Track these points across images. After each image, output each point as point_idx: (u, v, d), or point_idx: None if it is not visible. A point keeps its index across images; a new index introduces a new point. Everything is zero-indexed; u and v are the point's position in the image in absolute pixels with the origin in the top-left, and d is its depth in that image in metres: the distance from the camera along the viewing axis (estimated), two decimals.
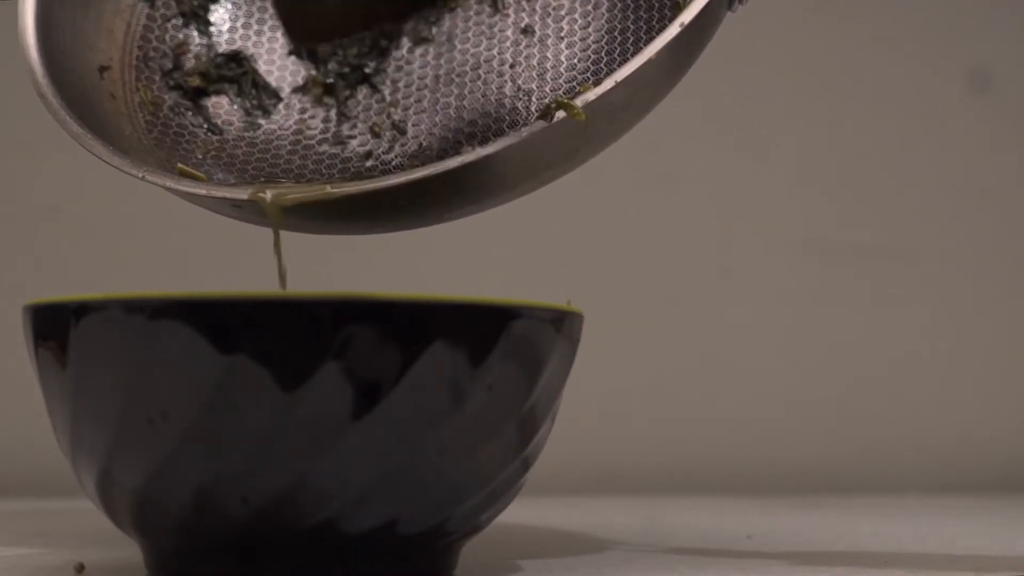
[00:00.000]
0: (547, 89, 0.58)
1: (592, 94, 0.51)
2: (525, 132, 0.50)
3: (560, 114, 0.50)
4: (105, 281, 0.82)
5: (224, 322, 0.43)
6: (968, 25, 0.95)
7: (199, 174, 0.56)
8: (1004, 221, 0.95)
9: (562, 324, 0.47)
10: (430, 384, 0.44)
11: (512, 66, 0.58)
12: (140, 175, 0.52)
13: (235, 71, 0.60)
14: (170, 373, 0.43)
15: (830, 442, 0.92)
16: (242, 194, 0.52)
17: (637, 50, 0.57)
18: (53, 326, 0.45)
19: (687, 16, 0.52)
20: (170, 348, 0.43)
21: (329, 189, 0.50)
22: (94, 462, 0.45)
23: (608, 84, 0.51)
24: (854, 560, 0.55)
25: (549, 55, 0.58)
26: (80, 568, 0.50)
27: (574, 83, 0.57)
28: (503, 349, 0.45)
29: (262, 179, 0.57)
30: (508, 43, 0.59)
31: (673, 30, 0.51)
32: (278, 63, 0.60)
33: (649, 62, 0.51)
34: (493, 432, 0.46)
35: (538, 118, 0.51)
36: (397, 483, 0.44)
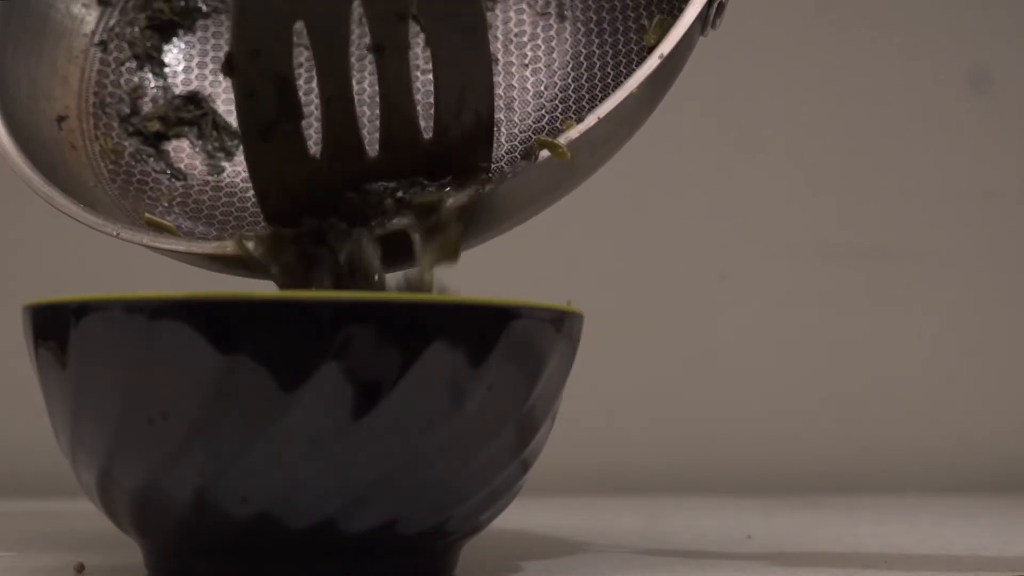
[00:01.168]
0: (515, 119, 0.57)
1: (575, 132, 0.50)
2: (509, 174, 0.50)
3: (544, 153, 0.50)
4: (105, 281, 0.82)
5: (224, 322, 0.43)
6: (968, 25, 0.95)
7: (167, 223, 0.56)
8: (1004, 222, 0.95)
9: (562, 324, 0.47)
10: (430, 384, 0.44)
11: None
12: (115, 233, 0.52)
13: (194, 113, 0.59)
14: (170, 373, 0.43)
15: (830, 442, 0.92)
16: (226, 247, 0.51)
17: (605, 75, 0.56)
18: (53, 326, 0.45)
19: (666, 47, 0.51)
20: (170, 348, 0.43)
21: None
22: (94, 462, 0.45)
23: (591, 121, 0.50)
24: (854, 560, 0.55)
25: (515, 83, 0.58)
26: (80, 568, 0.50)
27: (543, 111, 0.57)
28: (503, 349, 0.45)
29: (231, 226, 0.57)
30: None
31: (653, 62, 0.51)
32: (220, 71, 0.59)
33: (630, 96, 0.51)
34: (493, 432, 0.46)
35: (522, 158, 0.51)
36: (397, 483, 0.44)
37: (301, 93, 0.49)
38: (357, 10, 0.48)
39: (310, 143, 0.49)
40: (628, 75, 0.54)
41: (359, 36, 0.54)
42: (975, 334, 0.94)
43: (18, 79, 0.55)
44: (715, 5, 0.53)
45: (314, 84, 0.51)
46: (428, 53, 0.49)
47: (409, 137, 0.49)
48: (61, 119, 0.57)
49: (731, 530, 0.65)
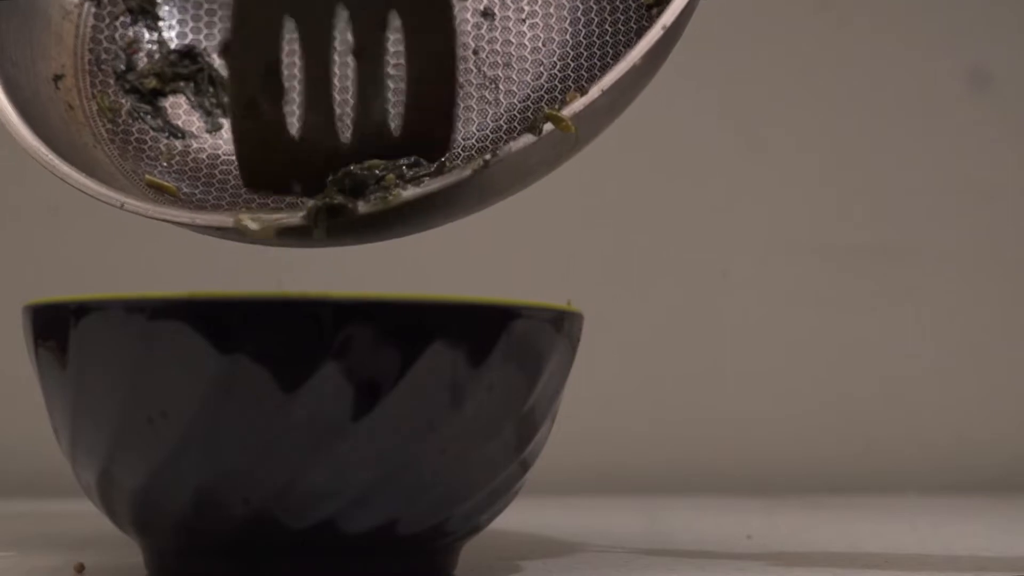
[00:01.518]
0: (513, 75, 0.57)
1: (579, 104, 0.51)
2: (514, 147, 0.50)
3: (548, 126, 0.50)
4: (105, 281, 0.82)
5: (224, 322, 0.43)
6: (968, 25, 0.95)
7: (168, 184, 0.56)
8: (1004, 221, 0.95)
9: (562, 324, 0.47)
10: (430, 384, 0.44)
11: (475, 52, 0.58)
12: (119, 204, 0.52)
13: (190, 68, 0.59)
14: (170, 373, 0.43)
15: (830, 442, 0.92)
16: (227, 221, 0.51)
17: (603, 32, 0.57)
18: (53, 326, 0.45)
19: (668, 18, 0.52)
20: (170, 348, 0.43)
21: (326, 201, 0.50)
22: (94, 462, 0.45)
23: (595, 93, 0.51)
24: (854, 560, 0.55)
25: (512, 39, 0.58)
26: (80, 568, 0.50)
27: (541, 68, 0.57)
28: (503, 349, 0.45)
29: (231, 185, 0.57)
30: (469, 27, 0.58)
31: (655, 34, 0.51)
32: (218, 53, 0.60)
33: (633, 67, 0.51)
34: (493, 432, 0.46)
35: (526, 131, 0.51)
36: (397, 483, 0.44)
37: (285, 79, 0.54)
38: (342, 14, 0.53)
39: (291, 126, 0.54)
40: (626, 32, 0.55)
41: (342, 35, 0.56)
42: (975, 334, 0.94)
43: (15, 40, 0.56)
44: None
45: (299, 71, 0.54)
46: (402, 61, 0.54)
47: (378, 131, 0.53)
48: (58, 78, 0.57)
49: (731, 530, 0.65)
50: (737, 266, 0.93)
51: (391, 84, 0.55)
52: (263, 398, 0.43)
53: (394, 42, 0.54)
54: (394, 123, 0.53)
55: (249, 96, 0.53)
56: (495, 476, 0.46)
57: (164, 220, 0.53)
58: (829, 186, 0.94)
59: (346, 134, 0.54)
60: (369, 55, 0.53)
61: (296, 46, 0.54)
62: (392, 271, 0.82)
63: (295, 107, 0.54)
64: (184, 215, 0.52)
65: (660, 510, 0.78)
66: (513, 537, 0.62)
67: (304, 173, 0.53)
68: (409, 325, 0.43)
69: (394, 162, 0.52)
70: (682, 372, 0.92)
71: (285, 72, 0.54)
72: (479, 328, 0.44)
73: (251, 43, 0.53)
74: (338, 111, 0.54)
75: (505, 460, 0.46)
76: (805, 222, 0.94)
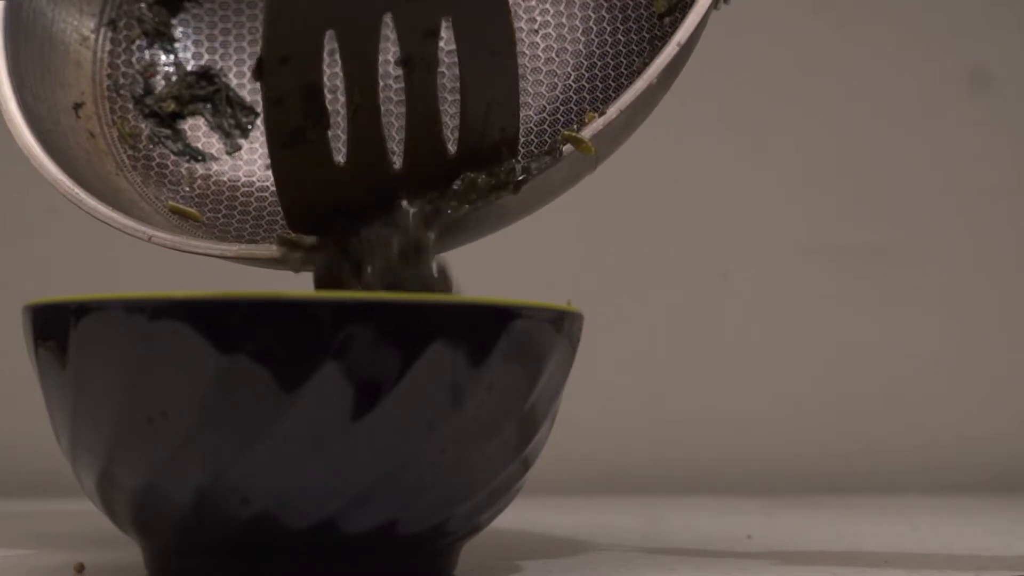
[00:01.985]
0: (528, 87, 0.57)
1: (599, 124, 0.51)
2: (535, 170, 0.51)
3: (568, 148, 0.51)
4: (105, 281, 0.82)
5: (223, 322, 0.43)
6: (968, 25, 0.95)
7: (191, 211, 0.56)
8: (1004, 221, 0.95)
9: (562, 324, 0.47)
10: (430, 384, 0.44)
11: None
12: (147, 238, 0.52)
13: (207, 89, 0.59)
14: (170, 373, 0.43)
15: (830, 442, 0.92)
16: (265, 252, 0.51)
17: (616, 41, 0.57)
18: (53, 326, 0.45)
19: (683, 35, 0.52)
20: (170, 348, 0.43)
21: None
22: (94, 462, 0.45)
23: (613, 113, 0.51)
24: (854, 560, 0.55)
25: (526, 50, 0.58)
26: (80, 568, 0.50)
27: (555, 79, 0.57)
28: (503, 349, 0.45)
29: (253, 208, 0.57)
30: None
31: (671, 51, 0.52)
32: (249, 76, 0.60)
33: (649, 86, 0.51)
34: (493, 432, 0.46)
35: (545, 154, 0.51)
36: (397, 483, 0.44)
37: (328, 102, 0.49)
38: (387, 24, 0.48)
39: (336, 152, 0.50)
40: (639, 42, 0.55)
41: (388, 48, 0.54)
42: (975, 334, 0.94)
43: (34, 71, 0.56)
44: None
45: (341, 94, 0.50)
46: (456, 70, 0.50)
47: (434, 150, 0.50)
48: (78, 106, 0.57)
49: (731, 530, 0.65)
50: (737, 266, 0.93)
51: (447, 96, 0.53)
52: (263, 398, 0.43)
53: (446, 53, 0.51)
54: (449, 140, 0.50)
55: (288, 123, 0.48)
56: (495, 476, 0.46)
57: (193, 253, 0.53)
58: (829, 187, 0.94)
59: (397, 158, 0.50)
60: (419, 66, 0.48)
61: (337, 62, 0.49)
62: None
63: (340, 132, 0.50)
64: (214, 248, 0.52)
65: (660, 510, 0.78)
66: (513, 537, 0.62)
67: (351, 204, 0.49)
68: (409, 325, 0.43)
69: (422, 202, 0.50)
70: (682, 372, 0.92)
71: (328, 94, 0.49)
72: (479, 328, 0.44)
73: (288, 62, 0.47)
74: (388, 133, 0.50)
75: (505, 460, 0.46)
76: (805, 223, 0.94)
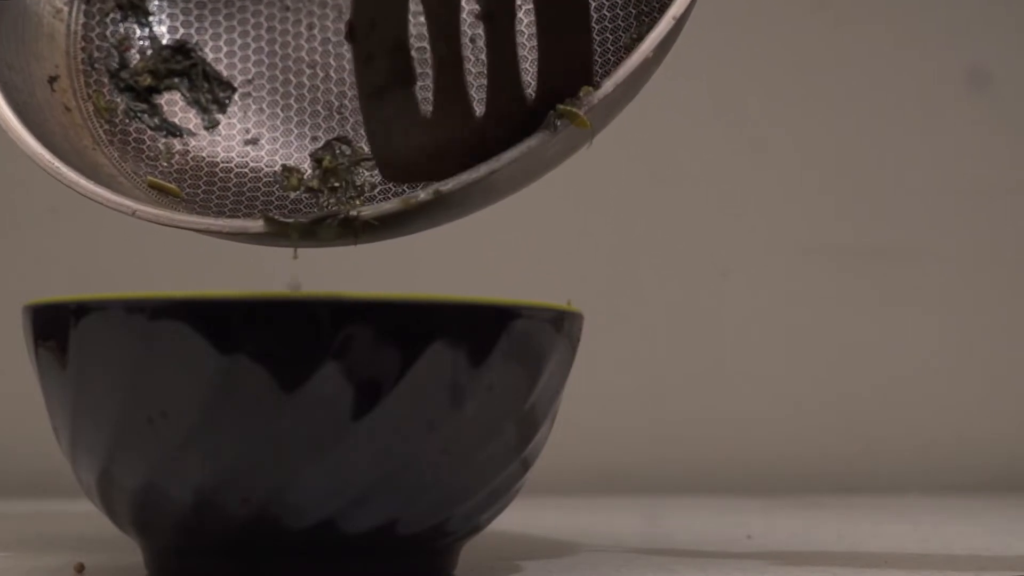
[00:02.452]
0: (526, 75, 0.57)
1: (594, 98, 0.51)
2: (528, 145, 0.50)
3: (562, 123, 0.51)
4: (105, 281, 0.82)
5: (224, 322, 0.43)
6: (968, 25, 0.95)
7: (170, 186, 0.55)
8: (1004, 221, 0.95)
9: (562, 324, 0.47)
10: (430, 384, 0.44)
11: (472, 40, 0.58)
12: (131, 212, 0.52)
13: (183, 63, 0.59)
14: (170, 373, 0.43)
15: (830, 442, 0.92)
16: (256, 227, 0.51)
17: (601, 16, 0.57)
18: (53, 326, 0.45)
19: (678, 9, 0.52)
20: (170, 348, 0.43)
21: (351, 213, 0.50)
22: (94, 462, 0.45)
23: (608, 87, 0.51)
24: (854, 560, 0.55)
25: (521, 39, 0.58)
26: (80, 568, 0.50)
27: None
28: (503, 349, 0.45)
29: (233, 184, 0.56)
30: (466, 28, 0.58)
31: (666, 25, 0.52)
32: (225, 50, 0.59)
33: (645, 59, 0.51)
34: (493, 432, 0.46)
35: (542, 128, 0.51)
36: (397, 483, 0.44)
37: (415, 61, 0.52)
38: None
39: (424, 103, 0.52)
40: (626, 18, 0.56)
41: (464, 7, 0.56)
42: (975, 334, 0.94)
43: (8, 41, 0.55)
44: None
45: (427, 52, 0.53)
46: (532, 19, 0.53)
47: (515, 98, 0.52)
48: (52, 79, 0.56)
49: (731, 530, 0.65)
50: (737, 266, 0.93)
51: (525, 44, 0.54)
52: (263, 398, 0.43)
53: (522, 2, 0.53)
54: (529, 88, 0.52)
55: (377, 80, 0.51)
56: (495, 476, 0.46)
57: (177, 227, 0.52)
58: (828, 186, 0.94)
59: (480, 107, 0.52)
60: (499, 18, 0.52)
61: (422, 20, 0.52)
62: (392, 271, 0.82)
63: (428, 87, 0.53)
64: (198, 221, 0.52)
65: (660, 510, 0.78)
66: (513, 537, 0.62)
67: (441, 155, 0.52)
68: (409, 325, 0.43)
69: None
70: (682, 372, 0.92)
71: (414, 52, 0.53)
72: (479, 328, 0.44)
73: (376, 24, 0.51)
74: (473, 83, 0.53)
75: (505, 460, 0.46)
76: (804, 222, 0.94)
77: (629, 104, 0.54)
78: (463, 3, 0.53)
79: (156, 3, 0.59)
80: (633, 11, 0.57)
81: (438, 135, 0.52)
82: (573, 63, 0.52)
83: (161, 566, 0.47)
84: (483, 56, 0.54)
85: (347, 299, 0.43)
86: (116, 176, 0.55)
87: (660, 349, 0.92)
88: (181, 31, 0.59)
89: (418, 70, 0.53)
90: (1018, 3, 0.96)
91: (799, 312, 0.93)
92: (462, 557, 0.50)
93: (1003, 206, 0.95)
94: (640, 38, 0.52)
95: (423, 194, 0.50)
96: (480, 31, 0.55)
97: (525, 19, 0.54)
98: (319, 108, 0.56)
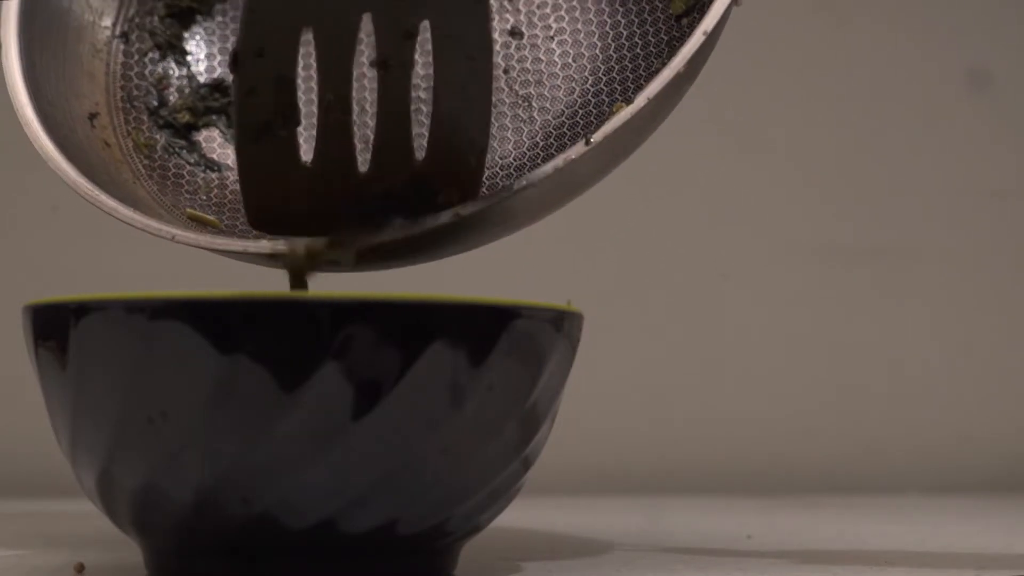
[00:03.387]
0: (546, 92, 0.57)
1: (626, 113, 0.50)
2: (568, 158, 0.50)
3: (596, 137, 0.50)
4: (105, 281, 0.82)
5: (224, 322, 0.43)
6: (968, 25, 0.95)
7: (209, 218, 0.56)
8: (1004, 221, 0.95)
9: (562, 324, 0.47)
10: (430, 384, 0.44)
11: (506, 71, 0.58)
12: (171, 237, 0.51)
13: (221, 101, 0.59)
14: (170, 373, 0.43)
15: (830, 442, 0.92)
16: (283, 247, 0.50)
17: (634, 44, 0.57)
18: (53, 326, 0.45)
19: (709, 23, 0.52)
20: (170, 348, 0.43)
21: (380, 237, 0.49)
22: (94, 462, 0.45)
23: (640, 102, 0.50)
24: (854, 560, 0.55)
25: (542, 56, 0.58)
26: (80, 568, 0.50)
27: (573, 84, 0.57)
28: (503, 349, 0.45)
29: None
30: (498, 47, 0.58)
31: (697, 40, 0.51)
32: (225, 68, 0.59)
33: (677, 74, 0.51)
34: (493, 432, 0.46)
35: (580, 142, 0.50)
36: (397, 483, 0.44)
37: (301, 101, 0.49)
38: (365, 25, 0.48)
39: (304, 153, 0.49)
40: (657, 44, 0.55)
41: (363, 51, 0.54)
42: (976, 334, 0.94)
43: (49, 79, 0.55)
44: None
45: (314, 94, 0.51)
46: (430, 72, 0.49)
47: (402, 155, 0.49)
48: (92, 116, 0.57)
49: (731, 530, 0.65)
50: (738, 266, 0.93)
51: (420, 99, 0.51)
52: (263, 398, 0.43)
53: (421, 55, 0.49)
54: (419, 146, 0.49)
55: (258, 116, 0.48)
56: (495, 476, 0.46)
57: (216, 251, 0.52)
58: (829, 187, 0.94)
59: (365, 160, 0.49)
60: (395, 68, 0.48)
61: (312, 60, 0.49)
62: (392, 271, 0.82)
63: (310, 129, 0.50)
64: (236, 244, 0.52)
65: (660, 510, 0.78)
66: (513, 537, 0.62)
67: (317, 205, 0.49)
68: (409, 325, 0.43)
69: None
70: (682, 372, 0.92)
71: (301, 92, 0.50)
72: (479, 328, 0.44)
73: (263, 55, 0.47)
74: (357, 133, 0.50)
75: (505, 460, 0.46)
76: (805, 223, 0.94)
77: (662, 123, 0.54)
78: (362, 44, 0.49)
79: (194, 43, 0.60)
80: (665, 37, 0.57)
81: (315, 186, 0.49)
82: (466, 132, 0.49)
83: (161, 566, 0.47)
84: (373, 108, 0.51)
85: (347, 299, 0.43)
86: (155, 208, 0.55)
87: (660, 349, 0.92)
88: (219, 71, 0.59)
89: (303, 111, 0.50)
90: (1018, 4, 0.96)
91: (799, 313, 0.93)
92: (462, 557, 0.50)
93: (1003, 206, 0.95)
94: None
95: (443, 217, 0.49)
96: (372, 79, 0.52)
97: (423, 72, 0.51)
98: (355, 141, 0.55)
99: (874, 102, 0.94)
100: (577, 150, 0.50)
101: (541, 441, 0.48)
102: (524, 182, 0.50)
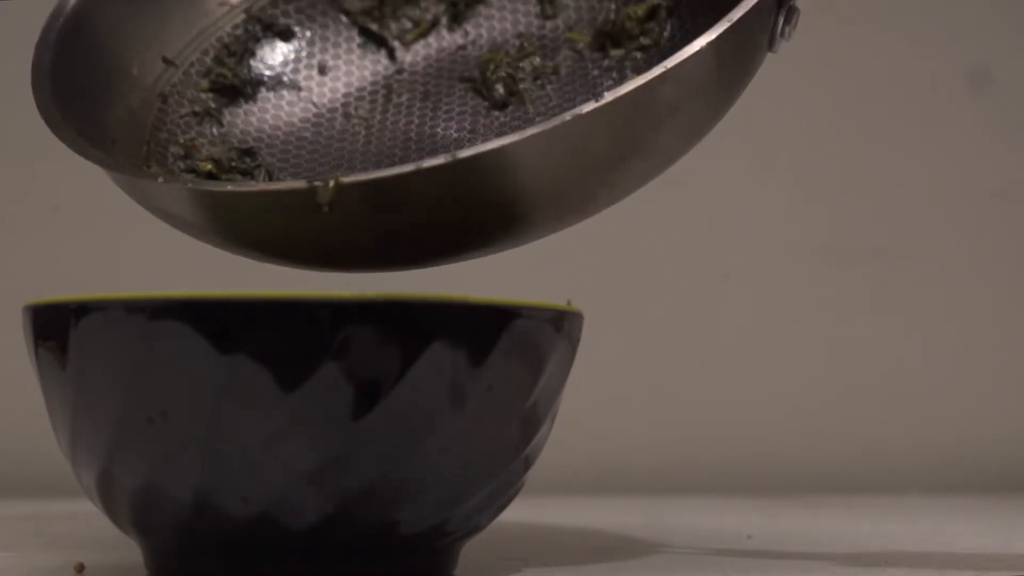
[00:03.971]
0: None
1: (643, 78, 0.47)
2: (569, 116, 0.46)
3: (602, 98, 0.47)
4: (105, 281, 0.82)
5: (224, 322, 0.43)
6: (968, 25, 0.95)
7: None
8: (1004, 221, 0.95)
9: (562, 324, 0.47)
10: (430, 384, 0.44)
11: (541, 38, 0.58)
12: (186, 183, 0.51)
13: (248, 164, 0.58)
14: (170, 373, 0.43)
15: (830, 442, 0.92)
16: (291, 186, 0.48)
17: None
18: (53, 326, 0.45)
19: (736, 13, 0.50)
20: (170, 348, 0.43)
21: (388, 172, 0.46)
22: (94, 462, 0.45)
23: (657, 71, 0.47)
24: (854, 560, 0.55)
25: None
26: (80, 568, 0.50)
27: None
28: (503, 349, 0.45)
29: None
30: (533, 17, 0.58)
31: (721, 26, 0.50)
32: (292, 162, 0.59)
33: (699, 52, 0.48)
34: (493, 432, 0.46)
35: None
36: (397, 483, 0.44)
37: None
38: None
39: None
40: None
41: None
42: (976, 334, 0.94)
43: (79, 111, 0.55)
44: (785, 8, 0.53)
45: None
46: None
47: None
48: (113, 142, 0.56)
49: (731, 530, 0.65)
50: (739, 267, 0.93)
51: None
52: (263, 398, 0.43)
53: None
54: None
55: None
56: (495, 476, 0.46)
57: (236, 192, 0.50)
58: (830, 188, 0.94)
59: None
60: None
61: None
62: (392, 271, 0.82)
63: None
64: (254, 186, 0.51)
65: (660, 510, 0.78)
66: (514, 537, 0.62)
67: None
68: (409, 325, 0.43)
69: None
70: (682, 373, 0.92)
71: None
72: (479, 328, 0.44)
73: None
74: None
75: (505, 460, 0.46)
76: (806, 224, 0.94)
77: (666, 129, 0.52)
78: None
79: (228, 117, 0.59)
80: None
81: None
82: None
83: (161, 566, 0.47)
84: None
85: (347, 299, 0.43)
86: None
87: (661, 350, 0.92)
88: (251, 142, 0.59)
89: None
90: (1018, 4, 0.96)
91: (800, 313, 0.93)
92: (462, 557, 0.50)
93: (1003, 207, 0.95)
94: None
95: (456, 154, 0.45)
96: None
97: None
98: None
99: (874, 102, 0.94)
100: (585, 106, 0.47)
101: (541, 441, 0.48)
102: (524, 134, 0.46)
